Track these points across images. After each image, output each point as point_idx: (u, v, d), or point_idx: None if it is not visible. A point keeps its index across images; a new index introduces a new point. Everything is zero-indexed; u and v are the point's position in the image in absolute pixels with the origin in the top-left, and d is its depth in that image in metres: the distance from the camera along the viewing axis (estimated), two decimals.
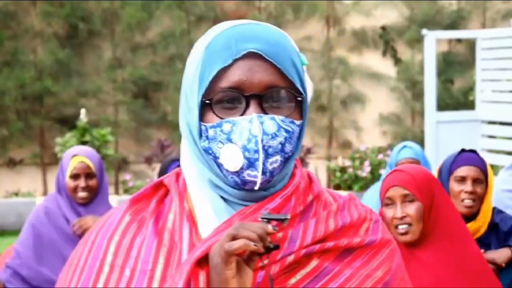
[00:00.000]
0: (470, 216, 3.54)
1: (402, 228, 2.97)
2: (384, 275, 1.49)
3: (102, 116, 11.57)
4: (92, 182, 4.04)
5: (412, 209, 2.96)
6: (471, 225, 3.49)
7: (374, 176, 10.37)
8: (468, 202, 3.53)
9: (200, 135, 1.45)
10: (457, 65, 12.05)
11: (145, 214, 1.51)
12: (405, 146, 5.16)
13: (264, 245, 1.32)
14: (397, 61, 12.13)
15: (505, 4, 12.12)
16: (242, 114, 1.42)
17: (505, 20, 12.03)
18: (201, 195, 1.47)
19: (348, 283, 1.45)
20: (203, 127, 1.44)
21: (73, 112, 11.19)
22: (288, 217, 1.36)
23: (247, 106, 1.42)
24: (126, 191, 10.85)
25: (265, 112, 1.42)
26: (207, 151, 1.45)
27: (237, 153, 1.41)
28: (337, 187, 10.82)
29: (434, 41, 9.01)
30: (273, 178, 1.43)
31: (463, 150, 3.66)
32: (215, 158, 1.44)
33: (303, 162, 10.90)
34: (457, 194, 3.54)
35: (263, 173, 1.41)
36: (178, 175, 1.54)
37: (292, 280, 1.43)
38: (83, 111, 10.40)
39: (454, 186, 3.56)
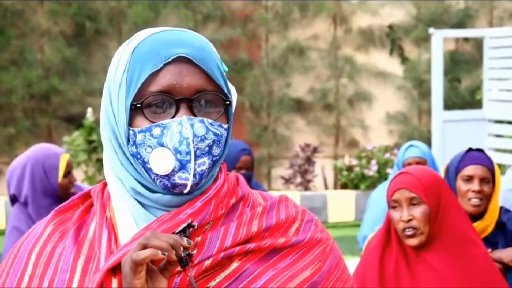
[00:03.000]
0: (477, 215, 3.54)
1: (408, 231, 2.96)
2: (313, 275, 1.48)
3: None
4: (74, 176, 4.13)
5: (418, 212, 2.95)
6: (478, 224, 3.48)
7: (381, 175, 10.36)
8: (475, 201, 3.53)
9: (128, 141, 1.45)
10: (464, 64, 12.02)
11: (68, 224, 1.52)
12: (411, 145, 5.15)
13: (177, 254, 1.32)
14: (404, 60, 12.11)
15: None
16: (172, 118, 1.42)
17: None
18: (122, 203, 1.47)
19: (270, 283, 1.45)
20: (131, 132, 1.44)
21: (80, 110, 11.20)
22: (194, 224, 1.37)
23: (177, 109, 1.43)
24: None
25: (194, 116, 1.43)
26: (135, 156, 1.45)
27: (168, 156, 1.41)
28: (344, 186, 10.82)
29: (441, 40, 9.00)
30: (201, 181, 1.44)
31: (470, 149, 3.66)
32: (144, 163, 1.44)
33: (309, 161, 10.91)
34: (464, 193, 3.54)
35: (193, 175, 1.42)
36: (105, 184, 1.54)
37: (212, 283, 1.43)
38: (89, 110, 10.42)
39: (461, 185, 3.55)
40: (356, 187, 10.57)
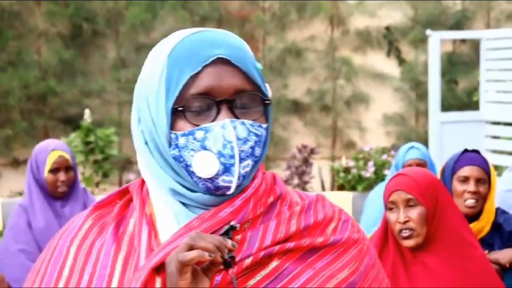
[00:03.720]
0: (473, 216, 3.54)
1: (405, 232, 2.96)
2: (350, 275, 1.48)
3: (106, 116, 11.58)
4: (71, 175, 4.11)
5: (415, 213, 2.95)
6: (474, 225, 3.49)
7: (378, 177, 10.36)
8: (471, 202, 3.53)
9: (169, 144, 1.45)
10: (461, 65, 12.03)
11: (108, 219, 1.52)
12: (412, 147, 5.15)
13: (221, 256, 1.32)
14: (401, 61, 12.12)
15: (510, 4, 12.11)
16: (213, 120, 1.42)
17: (510, 20, 12.01)
18: (162, 200, 1.48)
19: (309, 283, 1.45)
20: (172, 136, 1.44)
21: (77, 112, 11.19)
22: (236, 226, 1.37)
23: (218, 111, 1.43)
24: None
25: (235, 117, 1.43)
26: (177, 159, 1.45)
27: (212, 160, 1.41)
28: (341, 187, 10.82)
29: (438, 42, 9.01)
30: (243, 182, 1.45)
31: (466, 150, 3.66)
32: (187, 166, 1.44)
33: (307, 162, 10.91)
34: (460, 194, 3.54)
35: (237, 178, 1.42)
36: (143, 180, 1.55)
37: (251, 282, 1.43)
38: (87, 111, 10.41)
39: (457, 186, 3.56)
40: (353, 188, 10.56)
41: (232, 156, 1.41)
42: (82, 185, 4.29)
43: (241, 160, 1.42)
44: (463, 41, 12.01)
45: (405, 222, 2.96)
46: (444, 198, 3.00)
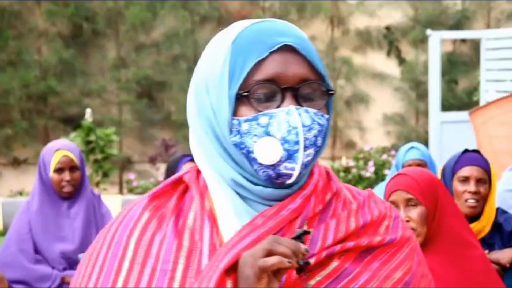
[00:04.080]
0: (474, 216, 3.54)
1: None
2: (404, 275, 1.47)
3: (106, 115, 11.58)
4: (76, 175, 4.10)
5: (415, 213, 2.95)
6: (474, 225, 3.48)
7: (378, 176, 10.36)
8: (471, 202, 3.53)
9: (230, 131, 1.42)
10: (461, 65, 12.03)
11: (165, 210, 1.48)
12: (412, 147, 5.14)
13: (297, 261, 1.30)
14: (401, 61, 12.12)
15: (510, 4, 12.11)
16: (278, 107, 1.39)
17: (510, 20, 12.02)
18: (222, 195, 1.44)
19: (368, 284, 1.43)
20: (235, 122, 1.41)
21: (77, 111, 11.20)
22: (309, 230, 1.35)
23: (283, 99, 1.40)
24: (131, 190, 10.86)
25: (299, 105, 1.41)
26: (238, 146, 1.42)
27: (275, 146, 1.38)
28: None
29: (438, 41, 9.01)
30: (304, 171, 1.42)
31: (466, 150, 3.66)
32: (248, 152, 1.41)
33: None
34: (460, 194, 3.54)
35: (300, 165, 1.39)
36: (198, 172, 1.51)
37: (312, 282, 1.40)
38: (88, 111, 10.41)
39: (458, 186, 3.56)
40: None
41: (297, 142, 1.38)
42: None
43: (305, 148, 1.39)
44: (463, 41, 12.01)
45: (406, 222, 2.96)
46: (445, 198, 3.00)
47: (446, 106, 10.76)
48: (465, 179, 3.57)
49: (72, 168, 4.11)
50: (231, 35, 1.45)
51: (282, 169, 1.39)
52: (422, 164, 4.96)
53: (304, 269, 1.32)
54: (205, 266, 1.39)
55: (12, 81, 11.32)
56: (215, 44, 1.47)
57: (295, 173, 1.39)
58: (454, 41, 12.11)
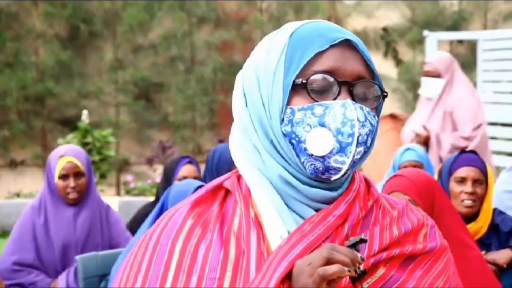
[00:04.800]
0: (471, 217, 3.55)
1: None
2: (444, 283, 1.47)
3: (103, 117, 11.58)
4: (82, 181, 4.06)
5: None
6: (471, 226, 3.49)
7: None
8: (468, 202, 3.54)
9: (282, 120, 1.41)
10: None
11: (208, 217, 1.46)
12: (408, 149, 5.15)
13: (354, 270, 1.30)
14: (398, 62, 12.13)
15: (507, 4, 12.12)
16: (333, 100, 1.39)
17: (507, 21, 12.03)
18: (266, 200, 1.42)
19: None
20: (288, 110, 1.40)
21: (74, 113, 11.19)
22: (366, 238, 1.34)
23: (339, 92, 1.40)
24: (128, 192, 10.85)
25: (354, 101, 1.40)
26: (288, 135, 1.41)
27: (328, 137, 1.37)
28: None
29: (435, 42, 9.02)
30: (352, 169, 1.42)
31: (463, 151, 3.67)
32: (299, 142, 1.40)
33: None
34: (457, 195, 3.55)
35: (351, 160, 1.38)
36: (239, 177, 1.49)
37: None
38: (85, 112, 10.41)
39: (454, 187, 3.56)
40: None
41: (351, 135, 1.37)
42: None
43: (358, 144, 1.38)
44: (460, 42, 12.02)
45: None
46: (441, 199, 3.01)
47: None
48: (462, 180, 3.58)
49: (77, 174, 4.07)
50: (287, 31, 1.45)
51: (332, 162, 1.38)
52: (418, 165, 4.97)
53: (361, 278, 1.31)
54: (257, 275, 1.36)
55: (10, 83, 11.31)
56: (268, 41, 1.46)
57: (344, 168, 1.38)
58: (451, 42, 12.12)
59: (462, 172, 3.57)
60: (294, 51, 1.42)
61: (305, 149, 1.39)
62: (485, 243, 3.53)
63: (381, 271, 1.42)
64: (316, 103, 1.39)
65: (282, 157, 1.42)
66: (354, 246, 1.33)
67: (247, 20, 12.02)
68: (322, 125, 1.38)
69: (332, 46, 1.41)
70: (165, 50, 11.77)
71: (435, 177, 3.71)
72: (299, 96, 1.40)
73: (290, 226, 1.41)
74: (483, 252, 3.38)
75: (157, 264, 1.42)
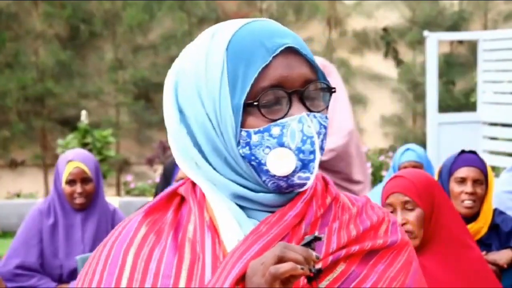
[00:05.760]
0: (471, 217, 3.54)
1: None
2: (406, 277, 1.46)
3: (103, 117, 11.57)
4: (89, 187, 4.02)
5: (412, 215, 2.95)
6: (472, 226, 3.49)
7: (376, 178, 10.36)
8: (468, 203, 3.54)
9: (238, 143, 1.36)
10: (458, 66, 12.04)
11: (162, 225, 1.43)
12: (408, 149, 5.15)
13: (309, 268, 1.27)
14: (398, 62, 12.13)
15: (507, 5, 12.12)
16: (286, 113, 1.35)
17: (507, 21, 12.02)
18: (222, 205, 1.39)
19: (377, 285, 1.41)
20: (243, 133, 1.35)
21: (74, 113, 11.19)
22: (321, 236, 1.31)
23: (291, 104, 1.35)
24: (128, 192, 10.85)
25: (307, 108, 1.37)
26: (247, 158, 1.36)
27: (290, 157, 1.34)
28: None
29: (435, 43, 9.01)
30: None
31: (463, 151, 3.67)
32: (259, 164, 1.35)
33: None
34: (457, 195, 3.55)
35: (312, 173, 1.36)
36: (193, 182, 1.45)
37: (320, 286, 1.38)
38: (83, 113, 10.41)
39: (454, 187, 3.56)
40: None
41: (312, 152, 1.34)
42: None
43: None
44: (460, 42, 12.02)
45: (403, 224, 2.95)
46: (442, 200, 3.00)
47: (444, 108, 10.75)
48: (462, 180, 3.57)
49: (85, 179, 4.04)
50: (223, 39, 1.37)
51: (296, 179, 1.36)
52: (418, 166, 4.96)
53: (316, 277, 1.29)
54: (212, 278, 1.34)
55: (9, 83, 11.30)
56: (203, 48, 1.38)
57: (309, 182, 1.36)
58: (451, 42, 12.11)
59: (462, 172, 3.57)
60: (235, 67, 1.35)
61: (267, 170, 1.36)
62: (485, 243, 3.52)
63: (341, 267, 1.40)
64: (272, 123, 1.34)
65: (239, 173, 1.39)
66: (309, 244, 1.30)
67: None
68: (282, 145, 1.34)
69: (275, 55, 1.35)
70: (165, 50, 11.77)
71: (435, 177, 3.70)
72: (252, 116, 1.35)
73: (247, 230, 1.38)
74: (484, 253, 3.38)
75: (110, 275, 1.39)
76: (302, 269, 1.25)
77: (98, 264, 1.42)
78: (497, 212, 3.62)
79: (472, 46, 11.22)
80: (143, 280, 1.37)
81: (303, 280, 1.33)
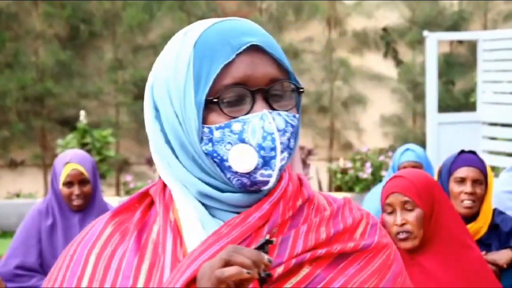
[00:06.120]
0: (471, 217, 3.54)
1: (402, 234, 2.95)
2: (380, 281, 1.43)
3: (103, 117, 11.58)
4: (86, 189, 4.02)
5: (412, 216, 2.94)
6: (471, 226, 3.49)
7: (376, 178, 10.36)
8: (467, 203, 3.53)
9: (201, 139, 1.36)
10: (458, 66, 12.04)
11: (129, 225, 1.44)
12: (407, 149, 5.14)
13: (258, 272, 1.25)
14: (398, 62, 12.13)
15: (507, 5, 12.12)
16: (249, 111, 1.35)
17: (507, 21, 12.03)
18: (187, 206, 1.39)
19: None
20: (205, 130, 1.35)
21: (74, 113, 11.19)
22: (272, 239, 1.29)
23: (253, 102, 1.35)
24: (127, 192, 10.85)
25: (271, 107, 1.36)
26: (210, 154, 1.36)
27: (251, 153, 1.34)
28: (338, 188, 10.82)
29: (435, 43, 9.01)
30: (280, 172, 1.37)
31: (462, 151, 3.67)
32: (222, 161, 1.35)
33: (304, 163, 10.90)
34: (457, 195, 3.54)
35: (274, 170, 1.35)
36: (164, 184, 1.45)
37: None
38: (82, 113, 10.41)
39: (454, 187, 3.56)
40: (350, 189, 10.56)
41: (273, 149, 1.34)
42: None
43: (281, 152, 1.35)
44: (460, 42, 12.02)
45: (402, 224, 2.95)
46: (441, 200, 3.00)
47: (443, 107, 10.75)
48: (462, 180, 3.57)
49: (82, 181, 4.04)
50: (192, 37, 1.39)
51: (258, 176, 1.35)
52: (417, 166, 4.96)
53: (266, 281, 1.26)
54: (167, 279, 1.34)
55: (9, 83, 11.31)
56: (175, 46, 1.40)
57: (272, 180, 1.35)
58: (451, 42, 12.11)
59: (461, 172, 3.57)
60: (200, 64, 1.36)
61: (230, 167, 1.35)
62: (485, 243, 3.52)
63: (305, 270, 1.38)
64: (233, 120, 1.34)
65: (206, 172, 1.39)
66: (262, 248, 1.28)
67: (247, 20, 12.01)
68: (243, 141, 1.34)
69: (239, 53, 1.35)
70: None
71: (435, 177, 3.70)
72: (214, 113, 1.35)
73: (210, 231, 1.37)
74: (483, 253, 3.37)
75: (72, 274, 1.41)
76: (248, 273, 1.23)
77: (63, 263, 1.44)
78: (496, 212, 3.62)
79: (472, 46, 11.22)
80: (103, 280, 1.38)
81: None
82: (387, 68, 12.10)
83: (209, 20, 1.41)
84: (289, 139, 1.37)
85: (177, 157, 1.40)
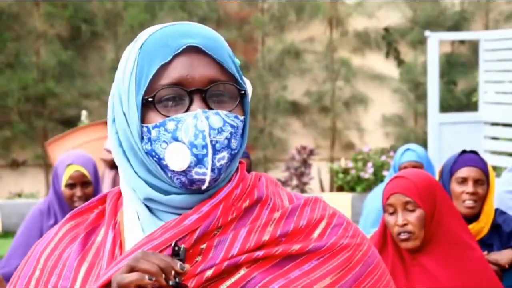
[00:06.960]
0: (472, 217, 3.54)
1: (403, 235, 2.95)
2: (333, 283, 1.39)
3: (104, 117, 11.57)
4: (88, 190, 4.02)
5: (413, 216, 2.94)
6: (473, 226, 3.48)
7: (377, 178, 10.35)
8: (469, 203, 3.53)
9: (142, 139, 1.39)
10: (460, 66, 12.03)
11: (82, 227, 1.47)
12: (408, 149, 5.13)
13: (167, 280, 1.23)
14: (400, 62, 12.12)
15: (509, 4, 12.11)
16: (186, 111, 1.36)
17: (508, 21, 12.02)
18: (132, 208, 1.41)
19: None
20: (144, 129, 1.38)
21: (76, 113, 11.19)
22: (180, 246, 1.28)
23: (191, 102, 1.37)
24: None
25: (209, 107, 1.37)
26: (149, 153, 1.38)
27: (184, 151, 1.35)
28: (340, 188, 10.82)
29: (437, 43, 9.00)
30: (220, 176, 1.37)
31: (464, 151, 3.66)
32: (160, 160, 1.37)
33: (306, 163, 10.90)
34: (458, 195, 3.54)
35: (212, 170, 1.35)
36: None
37: None
38: (84, 113, 10.41)
39: (456, 187, 3.56)
40: (352, 189, 10.56)
41: (205, 146, 1.34)
42: None
43: (216, 151, 1.35)
44: (461, 42, 12.01)
45: (404, 225, 2.94)
46: (443, 200, 2.99)
47: (445, 107, 10.75)
48: (463, 180, 3.57)
49: (85, 183, 4.04)
50: (140, 42, 1.44)
51: (194, 174, 1.35)
52: (418, 166, 4.95)
53: None
54: (89, 281, 1.37)
55: (11, 83, 11.31)
56: (127, 52, 1.46)
57: (207, 178, 1.35)
58: (453, 42, 12.11)
59: (463, 172, 3.56)
60: (142, 66, 1.40)
61: (166, 166, 1.37)
62: (486, 244, 3.52)
63: (242, 272, 1.36)
64: (167, 118, 1.36)
65: (152, 173, 1.40)
66: (178, 254, 1.26)
67: (248, 20, 12.01)
68: (176, 140, 1.35)
69: (177, 54, 1.38)
70: None
71: (436, 177, 3.70)
72: (152, 112, 1.37)
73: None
74: (485, 253, 3.37)
75: (24, 275, 1.46)
76: (150, 279, 1.23)
77: (22, 264, 1.49)
78: (498, 212, 3.62)
79: (474, 46, 11.22)
80: (48, 281, 1.42)
81: (191, 282, 1.31)
82: (389, 68, 12.09)
83: (160, 25, 1.46)
84: (228, 139, 1.37)
85: (128, 160, 1.42)
